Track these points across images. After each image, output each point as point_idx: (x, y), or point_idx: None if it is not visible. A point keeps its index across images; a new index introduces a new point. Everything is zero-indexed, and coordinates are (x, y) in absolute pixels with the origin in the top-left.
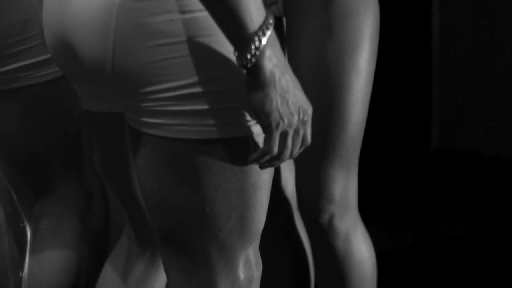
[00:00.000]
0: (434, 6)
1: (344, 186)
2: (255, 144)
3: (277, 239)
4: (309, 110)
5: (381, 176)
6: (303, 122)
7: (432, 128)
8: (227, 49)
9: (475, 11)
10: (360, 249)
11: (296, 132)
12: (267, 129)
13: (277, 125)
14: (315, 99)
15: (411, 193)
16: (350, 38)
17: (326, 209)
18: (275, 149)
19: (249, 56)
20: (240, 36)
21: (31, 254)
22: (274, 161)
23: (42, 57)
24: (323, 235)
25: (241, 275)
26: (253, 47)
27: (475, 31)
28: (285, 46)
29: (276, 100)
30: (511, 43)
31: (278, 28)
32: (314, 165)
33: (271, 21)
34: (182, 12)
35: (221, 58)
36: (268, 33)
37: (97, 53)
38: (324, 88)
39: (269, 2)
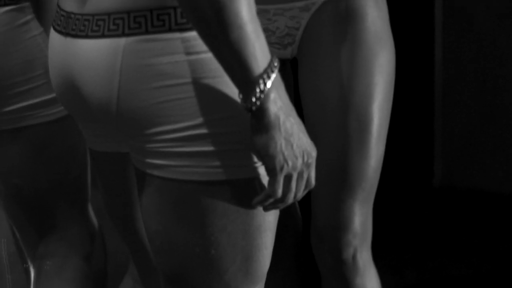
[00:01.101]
0: (437, 40)
1: (364, 220)
2: (261, 185)
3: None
4: (313, 153)
5: (384, 213)
6: (307, 165)
7: (435, 164)
8: (232, 91)
9: (478, 45)
10: (373, 285)
11: (300, 175)
12: (271, 172)
13: (282, 168)
14: (341, 133)
15: (414, 230)
16: (374, 77)
17: (351, 243)
18: (279, 192)
19: (254, 99)
20: (245, 79)
21: None
22: (278, 204)
23: (47, 97)
24: (343, 269)
25: None
26: (258, 90)
27: (478, 66)
28: (295, 85)
29: (280, 143)
30: None
31: (282, 70)
32: (337, 199)
33: (276, 63)
34: (188, 53)
35: (227, 100)
36: (273, 76)
37: (102, 94)
38: (350, 122)
39: (286, 43)
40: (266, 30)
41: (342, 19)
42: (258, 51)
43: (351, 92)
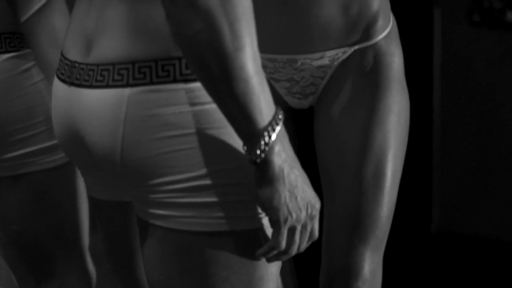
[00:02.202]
0: (435, 84)
1: (375, 267)
2: (265, 236)
3: None
4: (317, 205)
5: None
6: (311, 217)
7: (433, 210)
8: (236, 142)
9: (476, 90)
10: None
11: (304, 227)
12: (275, 224)
13: (285, 220)
14: (358, 179)
15: (411, 276)
16: (393, 124)
17: None
18: (283, 244)
19: (258, 152)
20: (250, 131)
21: None
22: (281, 255)
23: (47, 144)
24: None
25: None
26: (262, 142)
27: (476, 111)
28: (298, 134)
29: (284, 195)
30: None
31: (286, 120)
32: (349, 244)
33: (280, 116)
34: (192, 104)
35: (231, 151)
36: (278, 128)
37: (106, 144)
38: (366, 169)
39: (308, 93)
40: (290, 80)
41: (369, 67)
42: (263, 104)
43: (370, 139)
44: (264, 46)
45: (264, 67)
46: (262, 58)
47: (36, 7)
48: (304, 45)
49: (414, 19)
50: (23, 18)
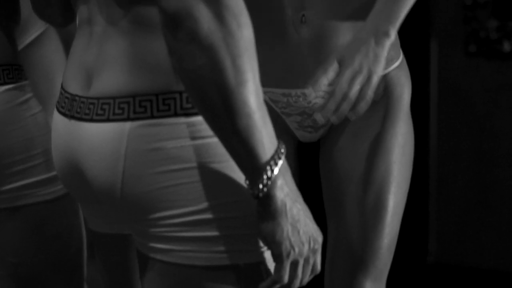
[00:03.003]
0: (432, 116)
1: None
2: (267, 270)
3: None
4: (319, 239)
5: None
6: (314, 251)
7: (429, 241)
8: (238, 175)
9: (474, 121)
10: None
11: (306, 260)
12: (278, 258)
13: (288, 254)
14: (359, 209)
15: None
16: (397, 155)
17: None
18: (286, 278)
19: (261, 186)
20: (252, 165)
21: None
22: None
23: (45, 176)
24: None
25: None
26: (265, 177)
27: (473, 142)
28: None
29: (287, 230)
30: (509, 157)
31: (292, 153)
32: (349, 274)
33: (282, 150)
34: (193, 138)
35: (232, 185)
36: (280, 162)
37: (106, 178)
38: (368, 199)
39: (319, 126)
40: (302, 113)
41: (379, 97)
42: (266, 139)
43: (373, 169)
44: (277, 81)
45: (276, 102)
46: (275, 93)
47: (30, 38)
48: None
49: (411, 49)
50: (19, 48)
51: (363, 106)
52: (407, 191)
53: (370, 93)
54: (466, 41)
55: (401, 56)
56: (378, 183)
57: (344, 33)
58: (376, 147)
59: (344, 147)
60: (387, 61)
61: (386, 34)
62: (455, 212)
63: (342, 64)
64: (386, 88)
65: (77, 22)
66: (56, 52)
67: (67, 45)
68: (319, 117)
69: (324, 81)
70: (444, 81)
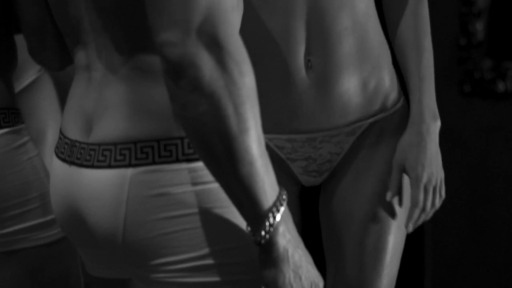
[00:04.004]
0: None
1: None
2: None
3: None
4: (321, 284)
5: None
6: None
7: (425, 281)
8: (239, 221)
9: (469, 162)
10: None
11: None
12: None
13: None
14: (359, 249)
15: None
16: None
17: None
18: None
19: (263, 233)
20: (254, 212)
21: None
22: None
23: (42, 220)
24: None
25: None
26: (267, 223)
27: (468, 183)
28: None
29: (289, 276)
30: (504, 198)
31: (294, 198)
32: None
33: (284, 196)
34: (194, 183)
35: (233, 230)
36: (282, 209)
37: (107, 224)
38: (368, 239)
39: (324, 170)
40: (308, 158)
41: (380, 139)
42: (268, 185)
43: (374, 210)
44: (283, 127)
45: (282, 148)
46: (281, 139)
47: (24, 84)
48: (324, 123)
49: (404, 89)
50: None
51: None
52: (405, 232)
53: (443, 195)
54: (461, 81)
55: (403, 98)
56: (379, 224)
57: (350, 76)
58: (378, 188)
59: (346, 188)
60: (390, 103)
61: (436, 118)
62: (450, 253)
63: (410, 175)
64: (386, 130)
65: (75, 67)
66: (49, 98)
67: (60, 89)
68: (410, 229)
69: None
70: (441, 128)
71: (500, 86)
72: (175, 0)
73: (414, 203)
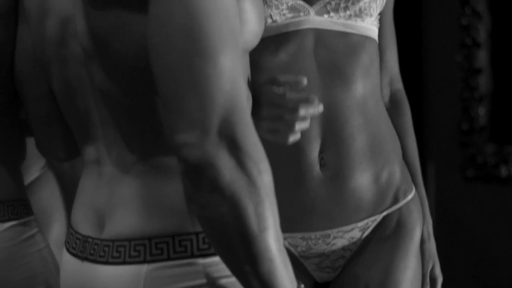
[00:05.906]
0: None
1: None
2: None
3: None
4: None
5: None
6: None
7: None
8: None
9: (472, 248)
10: None
11: None
12: None
13: None
14: None
15: None
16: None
17: None
18: None
19: None
20: None
21: None
22: None
23: None
24: None
25: None
26: None
27: (472, 268)
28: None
29: None
30: (509, 284)
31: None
32: None
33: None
34: (210, 279)
35: None
36: None
37: None
38: None
39: (337, 266)
40: (321, 255)
41: (392, 231)
42: (287, 281)
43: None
44: (296, 225)
45: (296, 246)
46: (295, 238)
47: (28, 180)
48: (338, 219)
49: None
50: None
51: None
52: None
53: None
54: (464, 166)
55: (414, 190)
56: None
57: (362, 171)
58: (386, 279)
59: (356, 280)
60: (401, 194)
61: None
62: None
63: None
64: (398, 221)
65: (83, 161)
66: (52, 196)
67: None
68: None
69: None
70: (441, 206)
71: (503, 171)
72: (192, 101)
73: None
